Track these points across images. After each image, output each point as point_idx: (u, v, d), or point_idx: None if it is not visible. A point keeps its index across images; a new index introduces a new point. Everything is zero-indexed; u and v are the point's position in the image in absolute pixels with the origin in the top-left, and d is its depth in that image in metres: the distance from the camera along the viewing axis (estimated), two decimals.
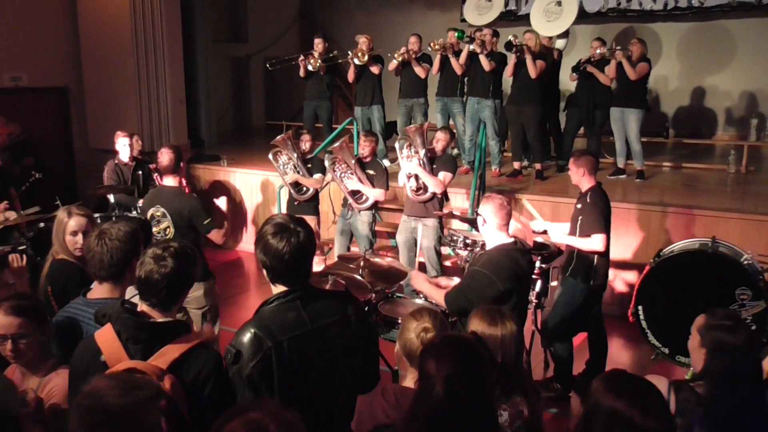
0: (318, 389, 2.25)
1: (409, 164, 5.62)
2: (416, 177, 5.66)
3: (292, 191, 6.09)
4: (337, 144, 5.99)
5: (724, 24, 10.41)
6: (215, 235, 4.32)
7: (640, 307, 4.94)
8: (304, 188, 6.15)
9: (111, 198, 6.41)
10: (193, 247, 2.32)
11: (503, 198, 3.58)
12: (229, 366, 2.13)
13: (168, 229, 4.29)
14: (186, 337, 2.16)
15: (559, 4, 8.26)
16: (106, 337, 2.09)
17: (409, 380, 2.25)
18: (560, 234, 4.61)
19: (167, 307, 2.19)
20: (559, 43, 8.59)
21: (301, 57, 8.43)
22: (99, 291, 2.57)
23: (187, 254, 2.22)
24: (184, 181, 4.54)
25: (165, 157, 4.35)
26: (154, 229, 4.29)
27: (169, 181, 4.40)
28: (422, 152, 5.61)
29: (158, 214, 4.31)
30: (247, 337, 2.15)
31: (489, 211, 3.47)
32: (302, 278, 2.28)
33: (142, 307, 2.19)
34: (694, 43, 10.74)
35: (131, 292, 2.41)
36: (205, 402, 2.08)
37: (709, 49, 10.61)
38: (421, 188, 5.67)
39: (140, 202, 6.26)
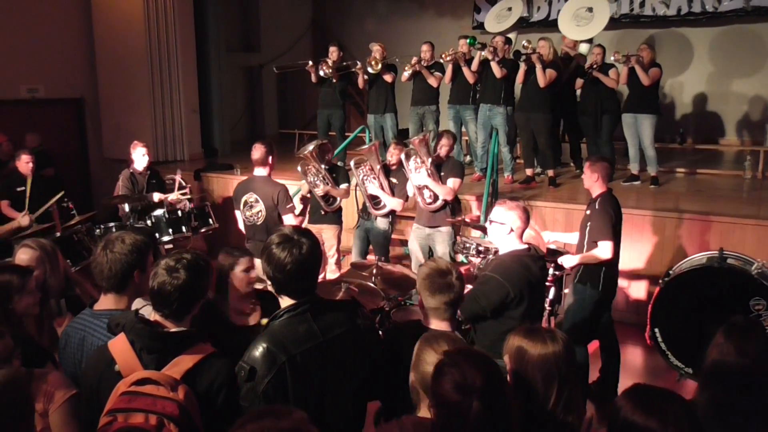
0: (330, 399, 2.25)
1: (417, 176, 5.60)
2: (426, 187, 5.65)
3: (321, 203, 6.09)
4: (366, 146, 6.01)
5: (739, 29, 10.34)
6: (289, 219, 4.92)
7: (656, 330, 4.86)
8: (331, 199, 6.15)
9: (126, 207, 6.46)
10: (207, 258, 2.32)
11: (521, 203, 3.56)
12: (243, 383, 2.11)
13: (260, 213, 4.97)
14: (199, 347, 2.16)
15: (591, 10, 8.26)
16: (120, 347, 2.11)
17: (425, 411, 2.11)
18: (569, 258, 4.56)
19: (180, 318, 2.20)
20: (583, 48, 8.55)
21: (310, 63, 8.46)
22: (104, 302, 2.57)
23: (200, 266, 2.22)
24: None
25: (257, 151, 5.01)
26: (248, 213, 5.02)
27: (260, 171, 5.05)
28: (429, 162, 5.60)
29: (251, 200, 4.96)
30: (259, 352, 2.14)
31: (514, 217, 3.43)
32: (307, 290, 2.27)
33: (156, 317, 2.20)
34: (708, 49, 10.67)
35: (137, 304, 2.42)
36: (218, 411, 2.08)
37: (724, 54, 10.53)
38: (432, 198, 5.66)
39: (157, 211, 6.34)
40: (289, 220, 4.93)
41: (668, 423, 1.78)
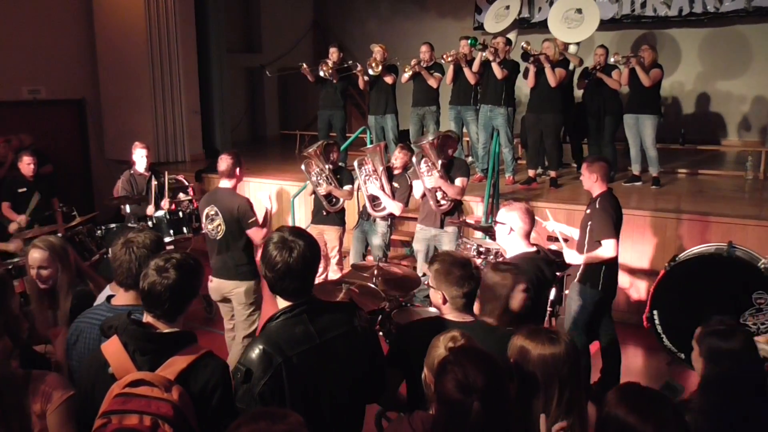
0: (327, 401, 2.24)
1: (430, 178, 5.59)
2: (439, 189, 5.64)
3: (324, 202, 6.08)
4: (371, 146, 5.98)
5: (740, 29, 10.33)
6: (255, 233, 4.59)
7: (655, 312, 4.88)
8: (334, 199, 6.15)
9: (128, 208, 6.46)
10: (197, 258, 2.32)
11: (526, 204, 3.53)
12: (239, 385, 2.11)
13: (219, 227, 4.64)
14: (193, 347, 2.16)
15: (580, 11, 8.26)
16: (113, 349, 2.10)
17: None
18: (573, 255, 4.55)
19: (172, 318, 2.19)
20: (572, 49, 8.57)
21: (304, 66, 8.46)
22: (124, 298, 2.58)
23: (190, 265, 2.22)
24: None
25: (223, 162, 4.69)
26: (209, 227, 4.70)
27: (225, 183, 4.71)
28: (439, 164, 5.59)
29: (212, 212, 4.65)
30: (256, 353, 2.14)
31: (515, 217, 3.41)
32: (299, 292, 2.26)
33: (148, 318, 2.19)
34: (710, 49, 10.66)
35: None
36: (213, 411, 2.08)
37: (726, 54, 10.52)
38: (444, 198, 5.65)
39: (158, 212, 6.33)
40: (254, 234, 4.58)
41: (648, 421, 1.82)
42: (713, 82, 10.71)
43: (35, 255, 3.21)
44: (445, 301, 2.68)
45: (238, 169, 4.69)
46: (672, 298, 4.85)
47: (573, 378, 2.19)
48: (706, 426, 2.30)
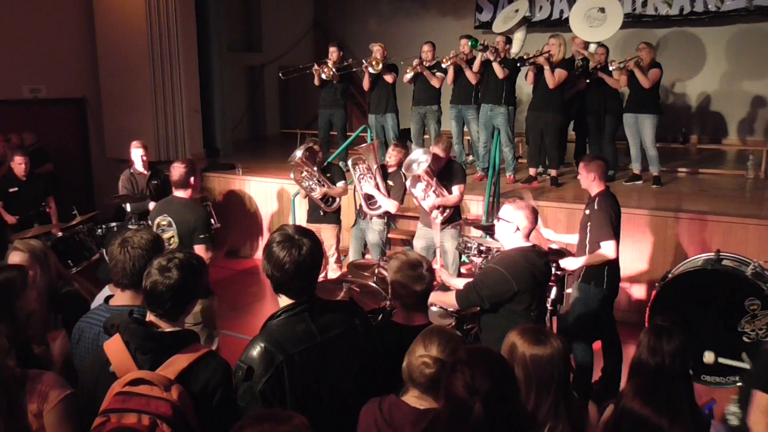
0: (327, 400, 2.25)
1: (428, 200, 5.52)
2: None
3: (321, 205, 6.06)
4: (364, 145, 5.96)
5: (741, 28, 10.32)
6: (202, 250, 4.16)
7: None
8: (330, 200, 6.13)
9: (128, 207, 6.46)
10: (200, 257, 2.32)
11: (531, 203, 3.57)
12: (240, 383, 2.11)
13: (172, 239, 4.25)
14: (194, 346, 2.16)
15: (602, 10, 8.24)
16: (114, 347, 2.10)
17: (409, 396, 2.19)
18: (571, 261, 4.56)
19: (174, 318, 2.19)
20: (591, 48, 8.54)
21: (315, 66, 8.46)
22: (121, 298, 2.58)
23: (193, 265, 2.22)
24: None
25: (175, 171, 4.35)
26: None
27: (179, 193, 4.38)
28: (434, 182, 5.50)
29: (164, 223, 4.29)
30: (257, 351, 2.14)
31: (521, 216, 3.44)
32: (306, 290, 2.27)
33: (150, 317, 2.20)
34: (711, 49, 10.65)
35: None
36: (213, 412, 2.08)
37: (727, 54, 10.51)
38: (443, 210, 5.62)
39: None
40: (200, 251, 4.07)
41: (662, 414, 1.90)
42: (715, 81, 10.70)
43: (15, 258, 3.13)
44: (396, 298, 2.75)
45: (192, 178, 4.34)
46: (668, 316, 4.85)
47: (554, 384, 2.16)
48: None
